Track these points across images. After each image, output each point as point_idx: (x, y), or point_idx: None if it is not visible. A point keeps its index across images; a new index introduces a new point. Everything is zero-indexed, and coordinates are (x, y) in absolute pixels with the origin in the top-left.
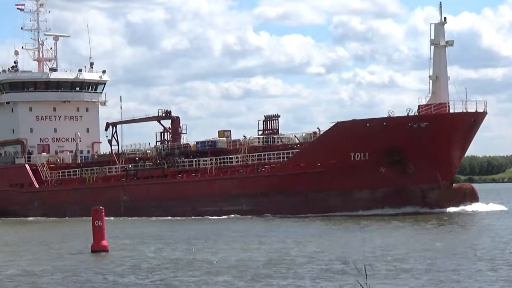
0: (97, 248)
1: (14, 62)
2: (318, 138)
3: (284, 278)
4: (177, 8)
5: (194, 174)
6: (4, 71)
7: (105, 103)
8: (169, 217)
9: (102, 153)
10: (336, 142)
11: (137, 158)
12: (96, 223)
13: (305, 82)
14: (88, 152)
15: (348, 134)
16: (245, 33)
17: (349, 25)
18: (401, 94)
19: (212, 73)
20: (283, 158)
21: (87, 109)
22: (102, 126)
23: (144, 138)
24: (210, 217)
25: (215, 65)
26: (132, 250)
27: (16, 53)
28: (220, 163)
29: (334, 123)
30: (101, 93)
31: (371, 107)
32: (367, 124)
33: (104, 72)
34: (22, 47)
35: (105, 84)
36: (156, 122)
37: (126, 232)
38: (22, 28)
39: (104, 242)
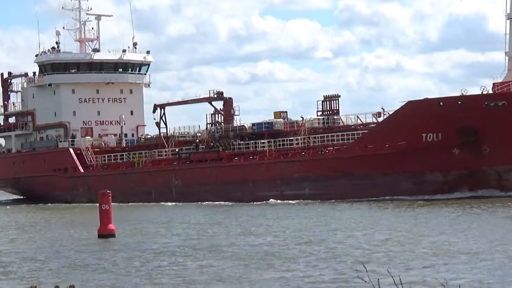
0: (104, 233)
1: (56, 43)
2: (386, 119)
3: None
4: None
5: (251, 157)
6: (44, 52)
7: (149, 85)
8: (226, 202)
9: (148, 136)
10: (406, 123)
11: (198, 141)
12: (103, 207)
13: (312, 66)
14: (133, 135)
15: (420, 113)
16: (250, 18)
17: (355, 9)
18: (408, 78)
19: (218, 58)
20: (348, 139)
21: (131, 91)
22: (146, 108)
23: (184, 121)
24: (273, 201)
25: (221, 50)
26: (143, 235)
27: (58, 33)
28: (279, 145)
29: (405, 102)
30: (145, 74)
31: (378, 91)
32: (441, 103)
33: (148, 52)
34: (63, 28)
35: (149, 65)
36: (195, 105)
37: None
38: (63, 8)
39: (111, 226)
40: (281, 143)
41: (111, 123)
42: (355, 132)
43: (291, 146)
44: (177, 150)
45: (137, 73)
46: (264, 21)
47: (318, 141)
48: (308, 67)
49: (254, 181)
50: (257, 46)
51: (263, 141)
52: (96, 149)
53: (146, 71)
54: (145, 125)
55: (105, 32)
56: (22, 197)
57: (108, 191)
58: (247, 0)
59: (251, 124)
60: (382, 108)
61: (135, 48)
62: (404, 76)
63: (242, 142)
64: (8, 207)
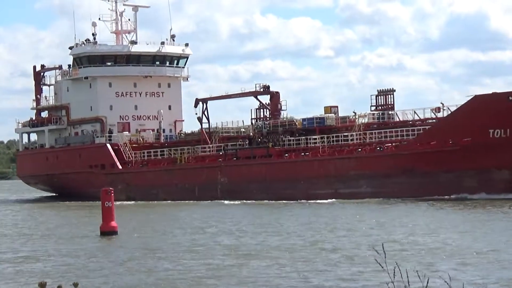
0: (106, 229)
1: (92, 34)
2: (451, 114)
3: None
4: None
5: (303, 154)
6: (77, 44)
7: (187, 79)
8: (278, 201)
9: (188, 131)
10: (472, 118)
11: (252, 134)
12: (106, 204)
13: (314, 65)
14: (171, 130)
15: (487, 108)
16: (252, 16)
17: (356, 8)
18: (409, 77)
19: (220, 56)
20: (407, 135)
21: (169, 85)
22: (185, 103)
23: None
24: (324, 200)
25: (223, 48)
26: (150, 233)
27: (94, 24)
28: (332, 141)
29: (472, 97)
30: (184, 67)
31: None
32: (510, 98)
33: (186, 45)
34: (99, 19)
35: (187, 58)
36: (231, 100)
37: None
38: None
39: (113, 223)
40: (334, 139)
41: (148, 118)
42: (415, 128)
43: (345, 142)
44: (222, 146)
45: (175, 66)
46: (266, 19)
47: (375, 137)
48: (310, 66)
49: (306, 178)
50: (259, 44)
51: (314, 137)
52: (134, 145)
53: (185, 64)
54: (183, 120)
55: (103, 31)
56: (54, 194)
57: (110, 189)
58: None
59: (301, 119)
60: (441, 103)
61: (173, 40)
62: (405, 75)
63: (292, 138)
64: (37, 204)
